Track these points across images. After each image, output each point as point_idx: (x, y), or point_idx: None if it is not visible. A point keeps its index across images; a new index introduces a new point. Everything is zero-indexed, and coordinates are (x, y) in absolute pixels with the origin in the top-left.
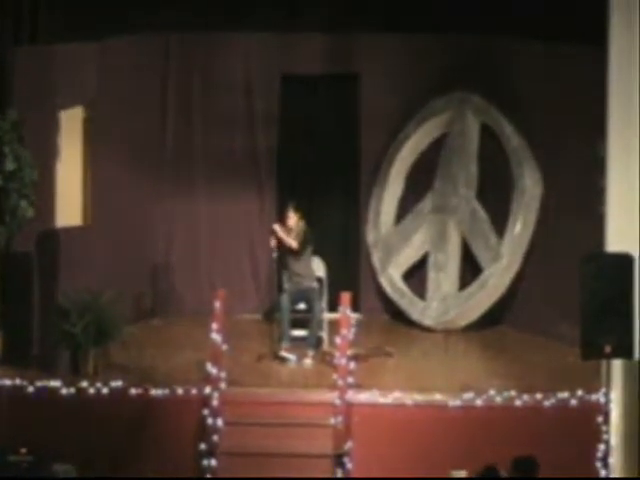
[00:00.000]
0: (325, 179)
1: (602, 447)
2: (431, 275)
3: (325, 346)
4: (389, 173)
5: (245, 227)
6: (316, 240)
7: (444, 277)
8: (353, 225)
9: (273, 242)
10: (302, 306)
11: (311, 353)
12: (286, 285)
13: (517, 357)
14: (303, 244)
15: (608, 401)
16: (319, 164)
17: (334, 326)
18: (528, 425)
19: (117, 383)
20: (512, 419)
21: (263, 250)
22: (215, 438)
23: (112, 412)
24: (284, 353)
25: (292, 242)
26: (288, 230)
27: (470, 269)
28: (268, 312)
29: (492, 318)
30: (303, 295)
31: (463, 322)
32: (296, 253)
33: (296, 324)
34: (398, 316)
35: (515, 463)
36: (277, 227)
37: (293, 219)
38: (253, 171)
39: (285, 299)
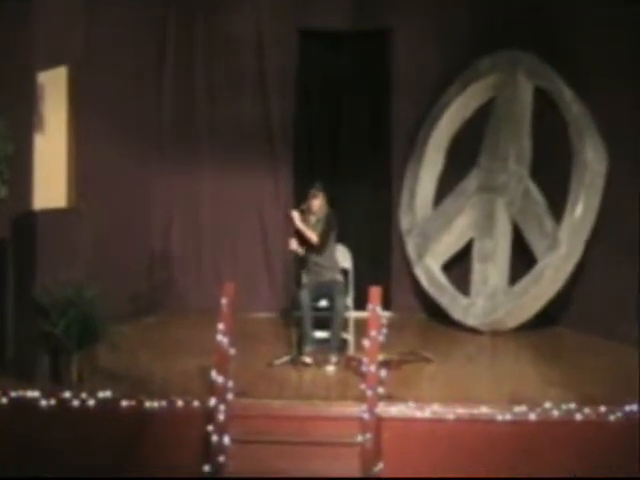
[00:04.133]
0: (350, 153)
1: None
2: (476, 266)
3: (351, 350)
4: (426, 146)
5: (257, 210)
6: (340, 227)
7: (492, 269)
8: (383, 208)
9: (294, 244)
10: (323, 303)
11: (334, 358)
12: (305, 278)
13: (577, 363)
14: (326, 235)
15: None
16: (343, 135)
17: (361, 327)
18: (590, 443)
19: (105, 394)
20: (571, 436)
21: (278, 237)
22: (221, 459)
23: (99, 428)
24: (306, 358)
25: (312, 236)
26: (310, 214)
27: (522, 259)
28: (285, 310)
29: (547, 317)
30: (325, 290)
31: (514, 322)
32: (317, 247)
33: (317, 324)
34: (437, 315)
35: None
36: (295, 214)
37: (318, 202)
38: (266, 144)
39: (305, 295)
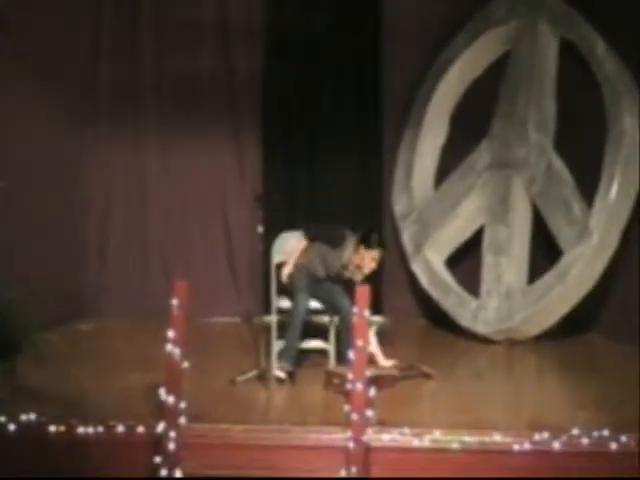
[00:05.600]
0: (331, 120)
1: None
2: (488, 260)
3: (331, 364)
4: (426, 112)
5: (216, 191)
6: (320, 211)
7: (507, 263)
8: (373, 187)
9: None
10: (315, 304)
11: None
12: (299, 280)
13: (612, 379)
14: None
15: None
16: (322, 98)
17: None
18: (627, 477)
19: (29, 416)
20: (604, 469)
21: (243, 226)
22: None
23: (21, 458)
24: (280, 373)
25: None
26: (350, 268)
27: (544, 252)
28: (250, 314)
29: (576, 323)
30: (319, 289)
31: (534, 329)
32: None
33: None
34: (439, 321)
35: None
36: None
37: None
38: (227, 109)
39: (304, 300)
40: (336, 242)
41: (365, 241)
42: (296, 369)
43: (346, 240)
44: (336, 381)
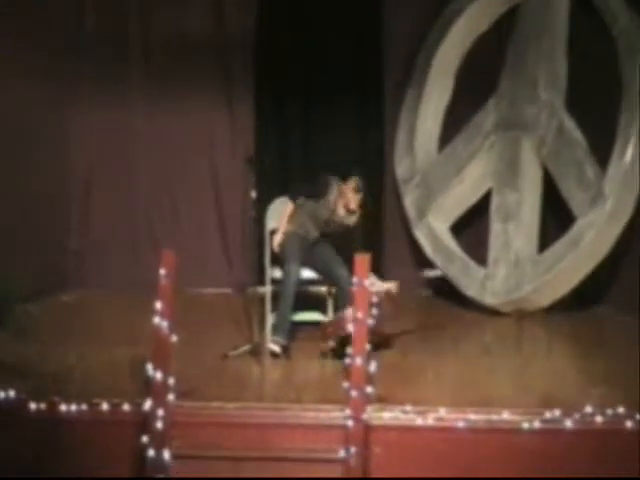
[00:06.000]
0: (328, 79)
1: None
2: (496, 227)
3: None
4: (429, 69)
5: (207, 156)
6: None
7: (516, 230)
8: (373, 150)
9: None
10: (308, 274)
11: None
12: (290, 249)
13: (625, 354)
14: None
15: None
16: (319, 56)
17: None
18: None
19: (8, 394)
20: (619, 449)
21: (235, 192)
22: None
23: (0, 437)
24: (274, 346)
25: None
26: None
27: (555, 218)
28: (243, 284)
29: (588, 294)
30: (311, 257)
31: (545, 300)
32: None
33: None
34: (444, 291)
35: None
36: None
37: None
38: (218, 69)
39: (295, 269)
40: (321, 192)
41: (343, 177)
42: (291, 343)
43: (330, 186)
44: (330, 329)
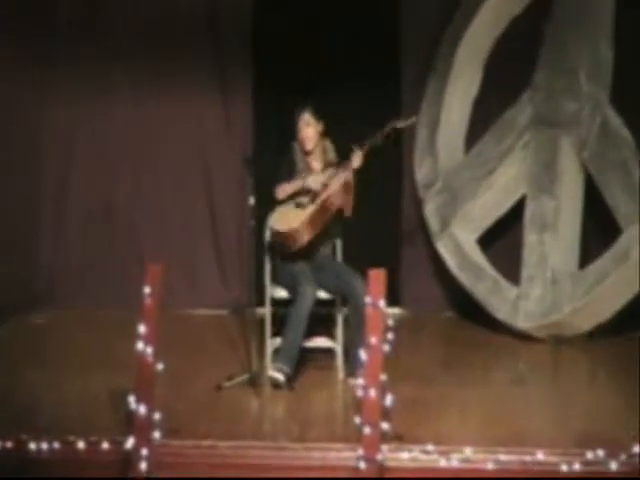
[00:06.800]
0: (337, 66)
1: None
2: (530, 239)
3: (339, 365)
4: (455, 57)
5: (198, 151)
6: None
7: (553, 242)
8: (389, 150)
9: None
10: (321, 294)
11: (353, 381)
12: (300, 270)
13: None
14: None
15: None
16: (328, 33)
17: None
18: None
19: None
20: None
21: (230, 194)
22: None
23: None
24: (278, 374)
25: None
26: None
27: (599, 228)
28: (239, 305)
29: (635, 317)
30: (322, 273)
31: (585, 324)
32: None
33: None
34: (470, 313)
35: None
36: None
37: (311, 131)
38: (211, 49)
39: (311, 290)
40: (291, 169)
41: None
42: (295, 372)
43: (291, 148)
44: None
